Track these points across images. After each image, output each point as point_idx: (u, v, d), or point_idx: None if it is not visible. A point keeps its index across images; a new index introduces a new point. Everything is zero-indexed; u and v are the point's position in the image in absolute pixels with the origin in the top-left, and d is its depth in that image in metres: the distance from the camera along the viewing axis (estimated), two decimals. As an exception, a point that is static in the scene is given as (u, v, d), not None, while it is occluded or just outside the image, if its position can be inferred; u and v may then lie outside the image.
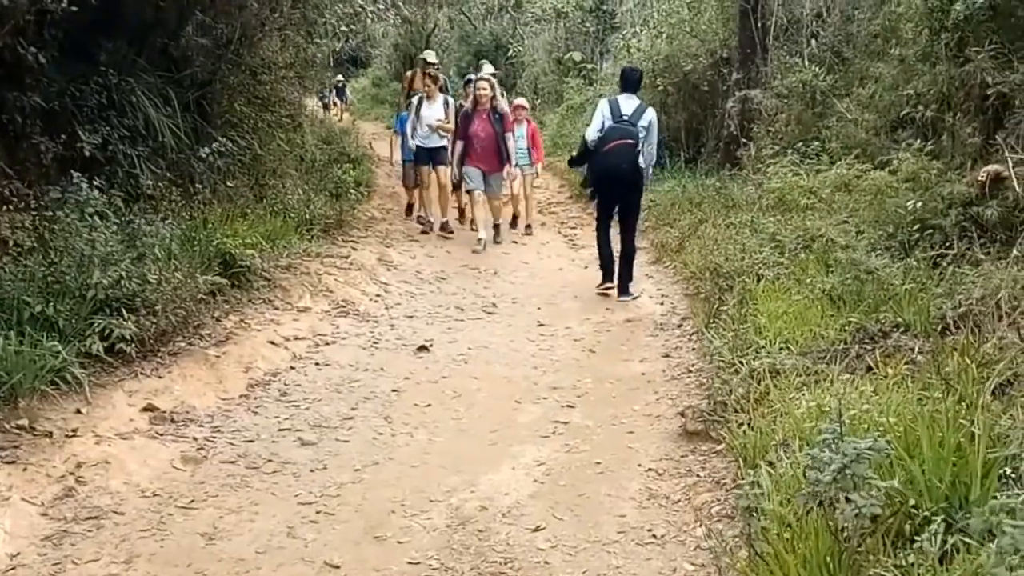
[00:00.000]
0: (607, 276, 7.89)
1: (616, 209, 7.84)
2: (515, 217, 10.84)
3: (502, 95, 10.84)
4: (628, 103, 7.71)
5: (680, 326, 6.95)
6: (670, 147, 13.31)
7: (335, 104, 21.22)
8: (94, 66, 6.69)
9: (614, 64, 17.47)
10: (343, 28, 9.86)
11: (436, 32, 22.36)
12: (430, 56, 12.78)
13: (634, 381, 5.70)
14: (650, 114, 7.78)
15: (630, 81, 7.92)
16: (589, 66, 18.09)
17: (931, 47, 7.77)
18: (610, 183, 7.67)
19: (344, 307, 6.90)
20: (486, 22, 22.21)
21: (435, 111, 10.25)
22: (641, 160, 7.61)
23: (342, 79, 22.28)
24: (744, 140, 10.78)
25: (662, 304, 7.70)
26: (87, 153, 6.18)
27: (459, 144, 9.77)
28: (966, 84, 7.26)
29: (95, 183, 5.64)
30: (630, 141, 7.51)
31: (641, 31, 15.55)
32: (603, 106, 7.77)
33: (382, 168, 13.20)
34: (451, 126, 10.19)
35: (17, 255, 4.96)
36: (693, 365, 5.89)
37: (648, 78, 14.07)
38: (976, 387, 3.67)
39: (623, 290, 7.76)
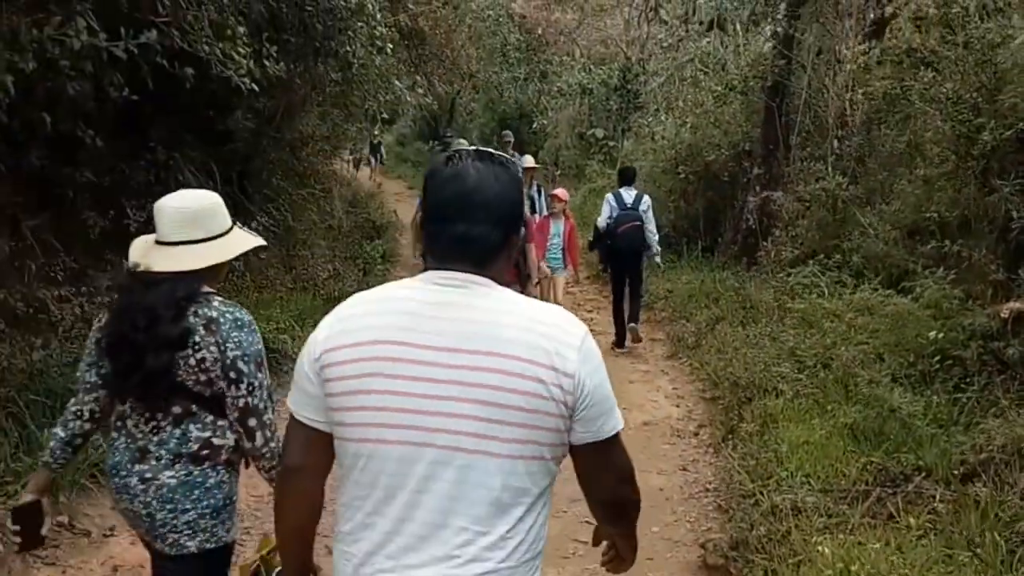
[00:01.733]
0: (620, 339, 9.46)
1: (627, 280, 9.53)
2: None
3: (537, 188, 10.35)
4: (628, 194, 9.56)
5: (697, 434, 7.03)
6: (688, 235, 13.52)
7: (369, 163, 20.13)
8: (144, 141, 6.88)
9: (635, 143, 17.79)
10: (383, 115, 10.06)
11: (462, 96, 22.72)
12: (458, 146, 12.13)
13: (652, 496, 5.76)
14: (647, 199, 9.67)
15: (627, 177, 9.91)
16: (611, 143, 18.38)
17: (956, 172, 7.95)
18: (624, 257, 9.47)
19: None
20: (512, 90, 22.59)
21: None
22: (646, 237, 9.46)
23: (379, 136, 20.71)
24: (763, 242, 10.93)
25: (678, 407, 7.79)
26: (133, 230, 6.32)
27: None
28: (990, 213, 7.43)
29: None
30: (637, 223, 9.36)
31: (666, 117, 15.81)
32: (609, 198, 9.62)
33: (404, 236, 13.36)
34: None
35: (64, 338, 5.07)
36: (710, 483, 5.96)
37: (670, 165, 14.42)
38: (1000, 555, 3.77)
39: (619, 343, 9.47)
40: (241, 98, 7.72)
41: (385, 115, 10.45)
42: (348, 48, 7.82)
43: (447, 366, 1.73)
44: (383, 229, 12.38)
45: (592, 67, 20.71)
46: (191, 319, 2.50)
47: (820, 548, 4.16)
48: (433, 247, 1.85)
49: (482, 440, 1.71)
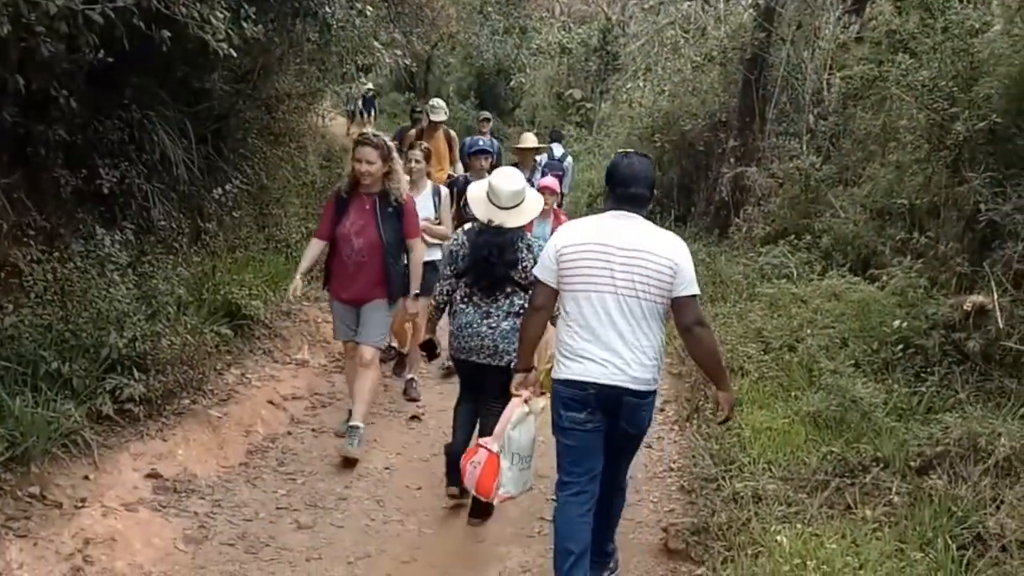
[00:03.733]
0: None
1: None
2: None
3: (542, 173, 8.91)
4: (558, 149, 12.58)
5: (663, 410, 7.13)
6: (661, 204, 13.57)
7: (363, 116, 18.83)
8: (118, 99, 6.75)
9: (613, 105, 17.74)
10: (362, 79, 9.89)
11: (439, 49, 22.43)
12: (437, 111, 9.20)
13: (617, 475, 5.86)
14: (570, 159, 13.29)
15: (557, 136, 13.77)
16: (588, 105, 18.30)
17: (928, 160, 8.02)
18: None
19: (339, 361, 7.02)
20: (489, 44, 22.33)
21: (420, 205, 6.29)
22: (564, 186, 11.38)
23: (372, 88, 18.97)
24: (736, 217, 11.00)
25: (645, 381, 7.87)
26: (105, 190, 6.24)
27: (314, 244, 5.80)
28: (959, 204, 7.52)
29: (116, 238, 5.73)
30: (559, 173, 10.95)
31: (644, 84, 15.75)
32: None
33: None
34: (443, 228, 6.83)
35: (37, 303, 5.03)
36: (675, 462, 6.08)
37: (646, 132, 14.44)
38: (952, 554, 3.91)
39: None
40: (217, 58, 7.59)
41: (362, 77, 10.27)
42: (327, 9, 7.69)
43: (623, 256, 3.79)
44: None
45: (572, 26, 20.54)
46: (519, 244, 4.78)
47: (778, 539, 4.29)
48: (618, 200, 3.96)
49: (640, 291, 3.77)
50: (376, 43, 9.52)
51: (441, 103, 9.60)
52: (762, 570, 4.07)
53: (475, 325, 4.78)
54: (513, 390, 4.26)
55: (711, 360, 4.03)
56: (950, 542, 3.97)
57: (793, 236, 9.21)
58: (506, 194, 4.76)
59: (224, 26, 5.75)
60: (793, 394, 6.13)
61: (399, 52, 10.05)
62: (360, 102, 18.57)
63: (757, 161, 11.57)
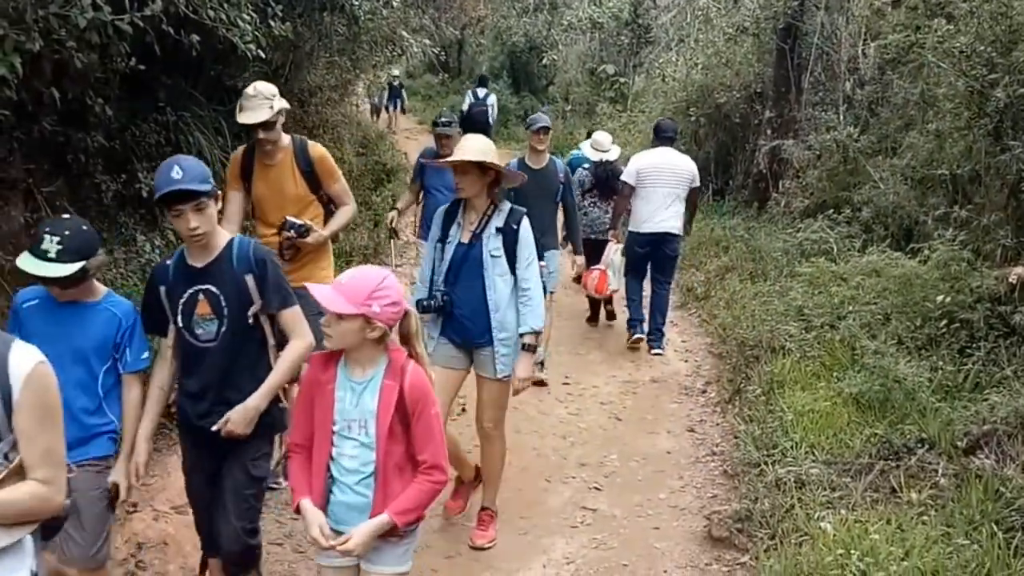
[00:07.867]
0: None
1: None
2: None
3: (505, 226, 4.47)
4: (480, 91, 16.13)
5: (704, 392, 7.13)
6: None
7: (387, 110, 17.74)
8: (153, 102, 6.83)
9: (646, 79, 17.58)
10: (390, 70, 9.88)
11: (469, 29, 22.33)
12: (253, 106, 4.75)
13: (659, 461, 5.88)
14: (493, 96, 16.64)
15: (482, 82, 16.70)
16: (622, 80, 18.14)
17: (969, 128, 7.85)
18: (476, 130, 13.87)
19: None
20: (521, 20, 22.16)
21: None
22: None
23: (399, 77, 17.80)
24: (774, 189, 10.88)
25: (686, 362, 7.88)
26: (145, 194, 6.34)
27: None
28: (1002, 173, 7.37)
29: (157, 243, 5.82)
30: (483, 108, 15.80)
31: (677, 57, 15.56)
32: (468, 94, 15.21)
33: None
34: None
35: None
36: (717, 445, 6.06)
37: (681, 106, 14.28)
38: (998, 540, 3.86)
39: None
40: (248, 57, 7.64)
41: (392, 68, 10.26)
42: (355, 2, 7.71)
43: (668, 168, 7.73)
44: (393, 172, 12.26)
45: (602, 0, 20.33)
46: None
47: (822, 526, 4.27)
48: (662, 140, 7.90)
49: (677, 185, 7.72)
50: (404, 33, 9.52)
51: (263, 87, 4.88)
52: (806, 559, 4.05)
53: (602, 217, 8.28)
54: (610, 238, 8.02)
55: (694, 206, 8.13)
56: (996, 528, 3.92)
57: (832, 209, 9.09)
58: (605, 142, 8.43)
59: (251, 28, 5.79)
60: (835, 374, 6.07)
61: (428, 42, 10.02)
62: (384, 94, 16.81)
63: (794, 132, 11.41)
